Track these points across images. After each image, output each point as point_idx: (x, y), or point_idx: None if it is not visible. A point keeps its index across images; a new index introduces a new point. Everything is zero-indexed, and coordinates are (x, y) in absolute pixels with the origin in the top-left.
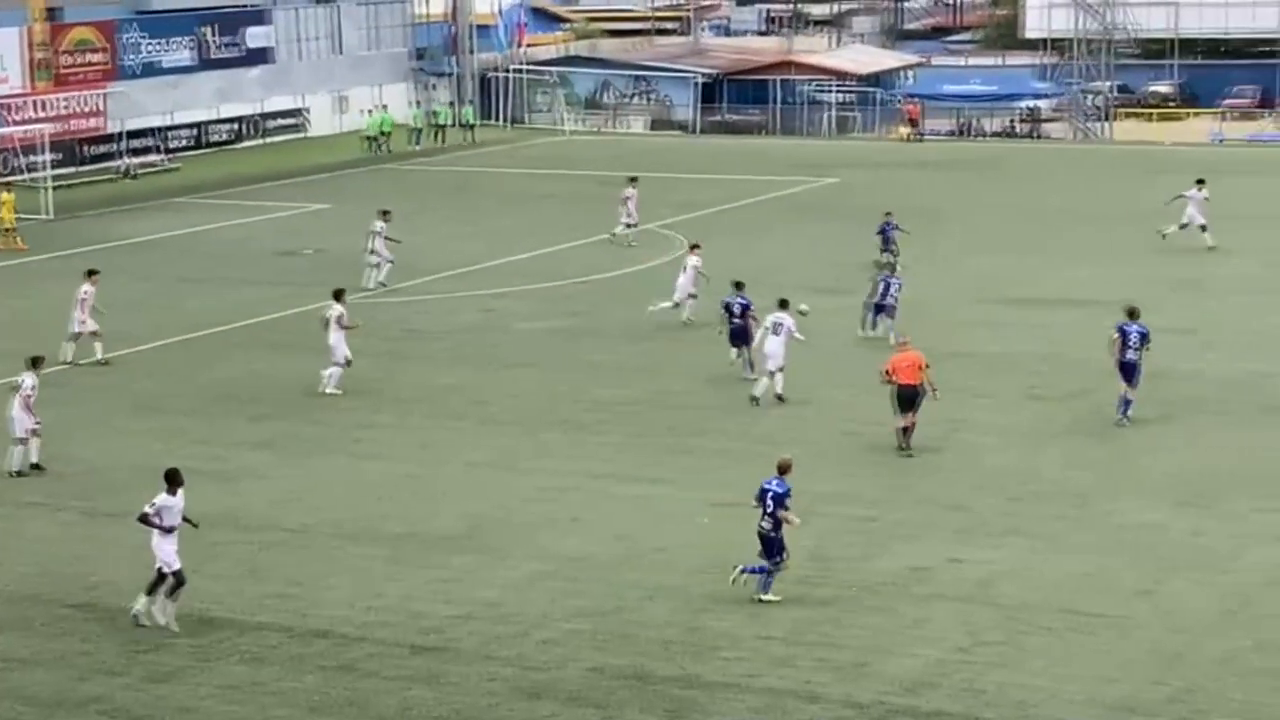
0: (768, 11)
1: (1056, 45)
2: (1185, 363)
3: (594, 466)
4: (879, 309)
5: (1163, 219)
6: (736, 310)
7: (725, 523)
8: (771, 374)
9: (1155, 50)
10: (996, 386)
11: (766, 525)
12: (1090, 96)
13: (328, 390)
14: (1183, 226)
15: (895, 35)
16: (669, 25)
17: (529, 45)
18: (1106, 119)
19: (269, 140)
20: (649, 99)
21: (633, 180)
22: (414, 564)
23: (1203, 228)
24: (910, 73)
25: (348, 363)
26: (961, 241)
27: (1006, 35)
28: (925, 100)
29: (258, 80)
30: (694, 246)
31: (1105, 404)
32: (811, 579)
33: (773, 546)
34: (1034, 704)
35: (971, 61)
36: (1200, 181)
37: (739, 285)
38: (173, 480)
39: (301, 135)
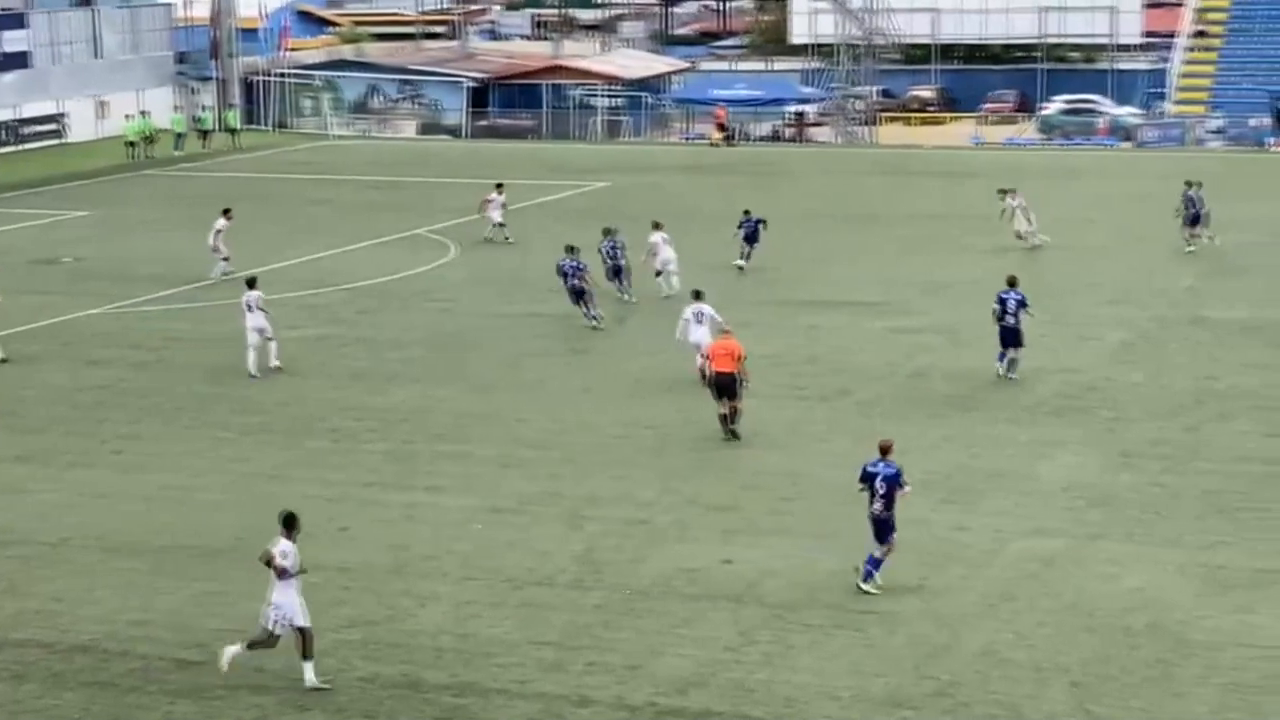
0: (536, 16)
1: (821, 50)
2: (945, 362)
3: (363, 475)
4: (616, 271)
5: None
6: (569, 272)
7: (498, 529)
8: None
9: (917, 56)
10: (763, 387)
11: (878, 508)
12: (854, 101)
13: (273, 363)
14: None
15: (663, 40)
16: (437, 30)
17: (294, 49)
18: (870, 123)
19: (26, 147)
20: (418, 104)
21: (499, 187)
22: (179, 577)
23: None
24: (679, 77)
25: (264, 336)
26: (730, 245)
27: (773, 40)
28: (693, 105)
29: (13, 86)
30: (656, 225)
31: (867, 404)
32: (583, 583)
33: (885, 528)
34: (802, 701)
35: (739, 66)
36: (1006, 191)
37: (571, 249)
38: (290, 525)
39: (60, 141)
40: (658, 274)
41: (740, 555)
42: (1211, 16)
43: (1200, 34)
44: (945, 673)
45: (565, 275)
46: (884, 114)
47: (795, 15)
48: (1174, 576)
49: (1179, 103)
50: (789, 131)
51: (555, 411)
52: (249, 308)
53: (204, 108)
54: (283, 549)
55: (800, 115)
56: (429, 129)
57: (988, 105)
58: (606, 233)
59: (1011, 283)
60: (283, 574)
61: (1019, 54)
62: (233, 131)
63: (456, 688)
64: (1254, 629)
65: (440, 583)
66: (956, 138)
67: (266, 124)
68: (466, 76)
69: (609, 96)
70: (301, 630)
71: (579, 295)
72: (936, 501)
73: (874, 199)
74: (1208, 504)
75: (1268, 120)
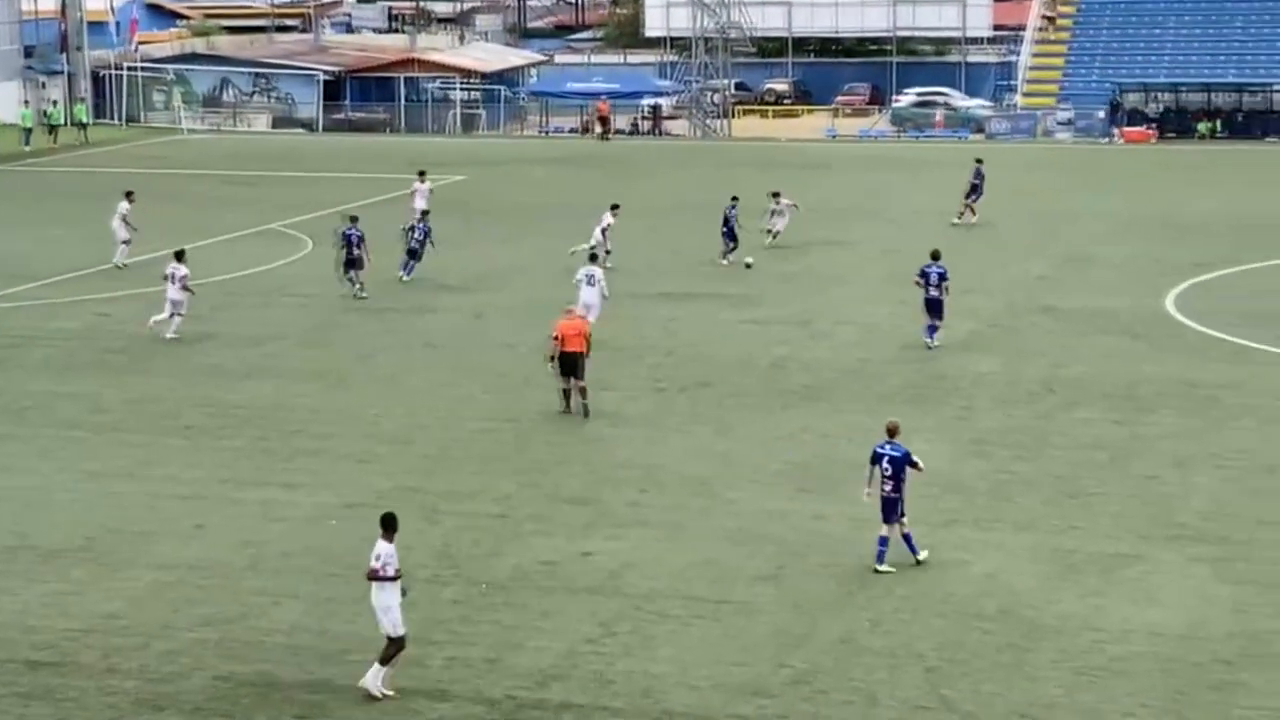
0: (391, 9)
1: (677, 44)
2: (801, 353)
3: (217, 472)
4: (411, 254)
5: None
6: (352, 240)
7: (355, 525)
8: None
9: (771, 49)
10: (622, 379)
11: (888, 489)
12: (710, 94)
13: (167, 335)
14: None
15: (519, 33)
16: (290, 22)
17: (144, 42)
18: (726, 116)
19: None
20: (271, 97)
21: (421, 175)
22: (28, 577)
23: (770, 232)
24: (534, 70)
25: (175, 310)
26: (585, 235)
27: (628, 34)
28: (548, 98)
29: None
30: (614, 207)
31: (726, 395)
32: (441, 578)
33: (895, 509)
34: (661, 691)
35: (594, 59)
36: (776, 194)
37: (354, 219)
38: (389, 526)
39: None
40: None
41: (599, 547)
42: (1061, 9)
43: (1049, 19)
44: (803, 661)
45: (348, 242)
46: (739, 107)
47: (650, 9)
48: (1025, 562)
49: (1028, 95)
50: (645, 125)
51: (412, 406)
52: (169, 279)
53: (52, 102)
54: (384, 552)
55: (656, 108)
56: (282, 123)
57: (841, 98)
58: (350, 220)
59: (934, 256)
60: (374, 576)
61: (872, 47)
62: (82, 126)
63: (313, 685)
64: (1103, 613)
65: (297, 580)
66: (811, 130)
67: (116, 118)
68: (320, 70)
69: (465, 90)
70: (399, 639)
71: (351, 264)
72: (794, 491)
73: (729, 191)
74: (1057, 490)
75: (1114, 114)
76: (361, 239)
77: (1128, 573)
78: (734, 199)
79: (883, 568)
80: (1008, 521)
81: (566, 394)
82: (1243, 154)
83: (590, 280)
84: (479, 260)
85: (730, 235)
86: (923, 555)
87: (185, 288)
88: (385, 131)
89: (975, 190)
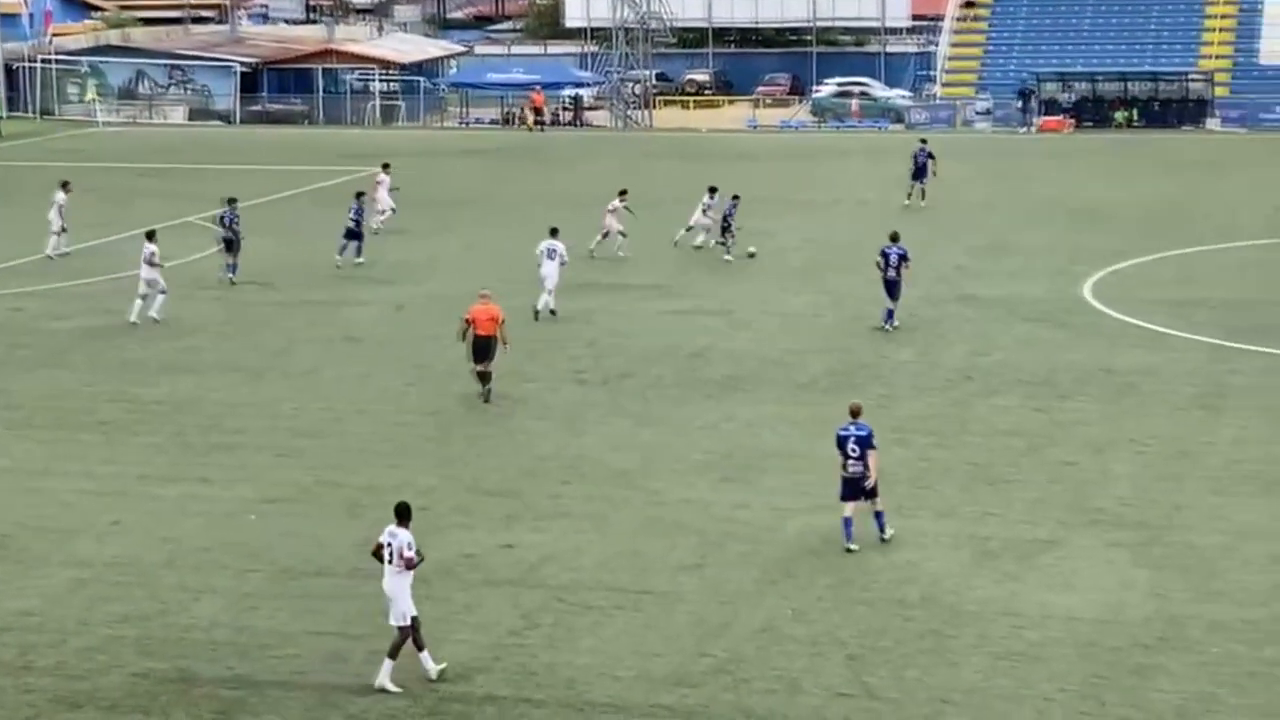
0: (308, 0)
1: (597, 34)
2: (722, 342)
3: (134, 468)
4: (350, 235)
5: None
6: (228, 221)
7: (274, 519)
8: (550, 292)
9: (692, 40)
10: (544, 370)
11: (856, 470)
12: (631, 85)
13: (155, 316)
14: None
15: (438, 24)
16: (206, 14)
17: (58, 34)
18: (647, 107)
19: None
20: (187, 89)
21: (385, 167)
22: None
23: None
24: (454, 61)
25: (154, 289)
26: (506, 228)
27: (548, 24)
28: (468, 89)
29: None
30: (622, 193)
31: (648, 386)
32: (362, 571)
33: (858, 488)
34: (584, 682)
35: (515, 50)
36: (713, 189)
37: (232, 201)
38: (407, 515)
39: None
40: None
41: (521, 539)
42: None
43: (969, 4)
44: (725, 650)
45: (223, 223)
46: (660, 98)
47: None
48: (945, 549)
49: (947, 85)
50: (566, 116)
51: (332, 399)
52: (146, 261)
53: None
54: (408, 541)
55: (577, 99)
56: (199, 115)
57: (762, 88)
58: (227, 202)
59: (894, 238)
60: (412, 565)
61: (792, 38)
62: None
63: (233, 681)
64: (1022, 598)
65: (215, 575)
66: (732, 121)
67: (30, 111)
68: (237, 61)
69: (384, 81)
70: (401, 627)
71: (229, 245)
72: (716, 481)
73: (651, 183)
74: (976, 477)
75: (1026, 103)
76: (235, 220)
77: (1046, 558)
78: (735, 197)
79: (853, 546)
80: (928, 509)
81: (482, 376)
82: (1158, 142)
83: (551, 253)
84: (400, 252)
85: (726, 229)
86: (889, 534)
87: (150, 263)
88: (303, 123)
89: (922, 172)
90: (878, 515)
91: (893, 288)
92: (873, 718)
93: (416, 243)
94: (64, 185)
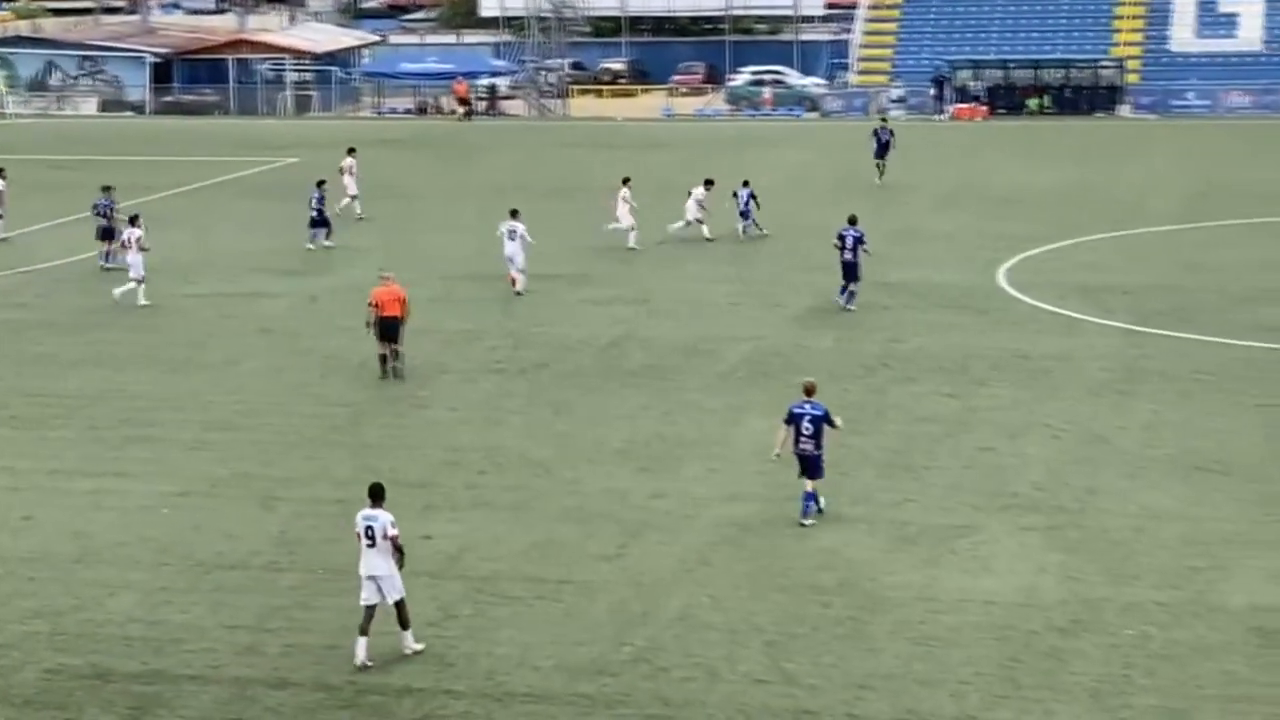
0: None
1: (512, 23)
2: (640, 331)
3: (46, 462)
4: (315, 223)
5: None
6: (104, 210)
7: (189, 513)
8: (521, 271)
9: (607, 28)
10: (460, 361)
11: (809, 447)
12: (546, 74)
13: (140, 302)
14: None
15: (352, 13)
16: (117, 4)
17: None
18: (562, 96)
19: None
20: (98, 80)
21: (351, 151)
22: None
23: (700, 221)
24: (368, 51)
25: (140, 280)
26: (424, 219)
27: (463, 13)
28: (383, 79)
29: None
30: (625, 180)
31: (565, 376)
32: (278, 564)
33: (817, 465)
34: (503, 672)
35: (429, 40)
36: (709, 182)
37: (107, 189)
38: (382, 494)
39: None
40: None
41: (439, 530)
42: None
43: None
44: (644, 639)
45: (99, 212)
46: (576, 87)
47: None
48: (863, 535)
49: (861, 73)
50: (481, 105)
51: (245, 392)
52: (124, 245)
53: None
54: (391, 520)
55: (493, 89)
56: (111, 106)
57: (677, 77)
58: (103, 190)
59: (851, 220)
60: (400, 544)
61: (707, 26)
62: None
63: (147, 676)
64: (939, 583)
65: (129, 570)
66: (648, 109)
67: None
68: (149, 52)
69: (297, 71)
70: (399, 603)
71: (106, 234)
72: (634, 470)
73: (567, 171)
74: (893, 463)
75: (940, 90)
76: (112, 207)
77: (963, 543)
78: (745, 182)
79: (808, 521)
80: (846, 495)
81: (384, 359)
82: (1071, 129)
83: (512, 234)
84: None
85: (744, 214)
86: (811, 520)
87: (142, 248)
88: (216, 114)
89: (884, 149)
90: (806, 492)
91: (851, 269)
92: (791, 704)
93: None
94: (0, 172)
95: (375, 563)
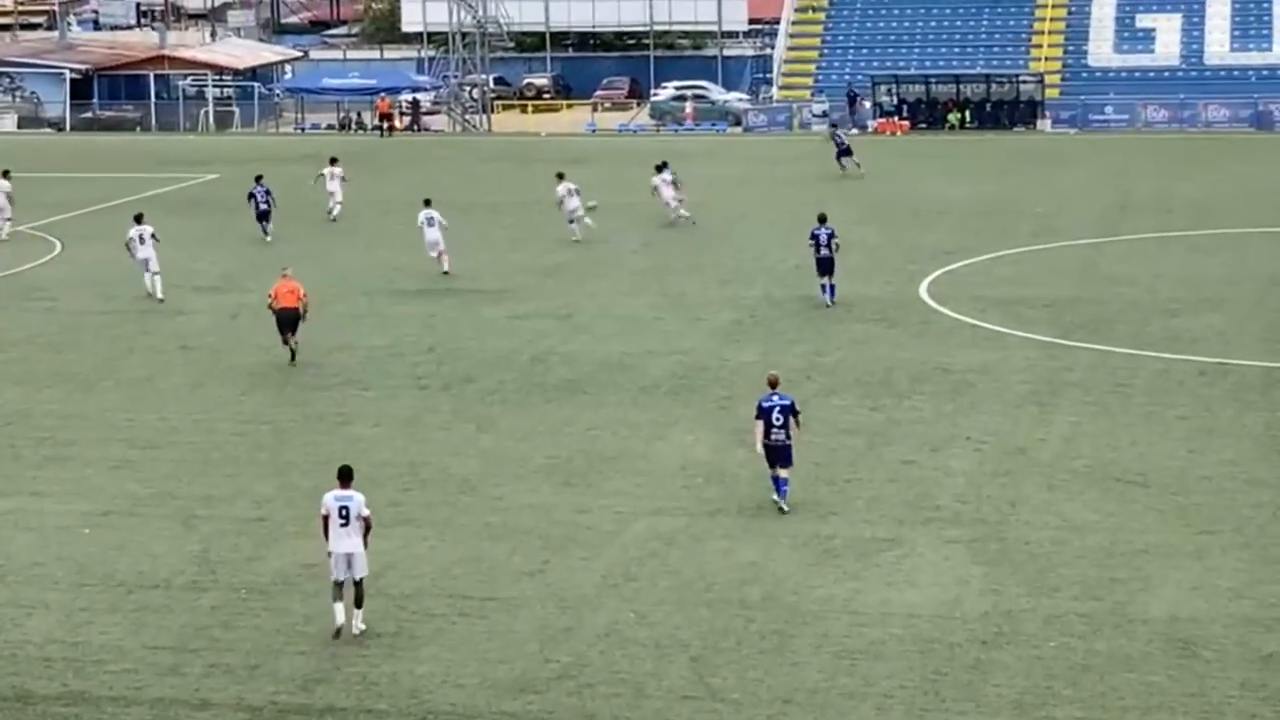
0: (141, 5)
1: (434, 39)
2: (562, 346)
3: None
4: (262, 216)
5: (545, 208)
6: None
7: (108, 533)
8: (441, 253)
9: (530, 44)
10: (383, 377)
11: (780, 436)
12: (469, 89)
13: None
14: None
15: (273, 29)
16: (35, 20)
17: None
18: (485, 111)
19: None
20: (16, 96)
21: (333, 161)
22: None
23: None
24: (290, 66)
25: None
26: (345, 234)
27: (385, 29)
28: (305, 95)
29: None
30: (661, 165)
31: (488, 391)
32: (199, 584)
33: (787, 454)
34: (427, 691)
35: (351, 55)
36: (662, 165)
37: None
38: (348, 477)
39: None
40: (570, 222)
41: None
42: (814, 2)
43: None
44: (569, 655)
45: None
46: (499, 102)
47: (407, 3)
48: (786, 549)
49: (784, 88)
50: (404, 120)
51: (166, 410)
52: (139, 241)
53: None
54: (364, 500)
55: (415, 104)
56: (28, 123)
57: (601, 92)
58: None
59: (821, 219)
60: (370, 525)
61: (630, 41)
62: None
63: (67, 697)
64: (862, 596)
65: (48, 590)
66: (572, 125)
67: None
68: (67, 68)
69: (218, 87)
70: (360, 581)
71: None
72: (558, 485)
73: (489, 186)
74: (816, 476)
75: (867, 104)
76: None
77: (886, 556)
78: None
79: (783, 503)
80: (769, 509)
81: (286, 342)
82: (991, 143)
83: (430, 221)
84: (233, 260)
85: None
86: (785, 504)
87: (154, 239)
88: (136, 130)
89: (846, 151)
90: (784, 482)
91: (827, 265)
92: (716, 719)
93: (250, 250)
94: (4, 174)
95: (349, 541)
